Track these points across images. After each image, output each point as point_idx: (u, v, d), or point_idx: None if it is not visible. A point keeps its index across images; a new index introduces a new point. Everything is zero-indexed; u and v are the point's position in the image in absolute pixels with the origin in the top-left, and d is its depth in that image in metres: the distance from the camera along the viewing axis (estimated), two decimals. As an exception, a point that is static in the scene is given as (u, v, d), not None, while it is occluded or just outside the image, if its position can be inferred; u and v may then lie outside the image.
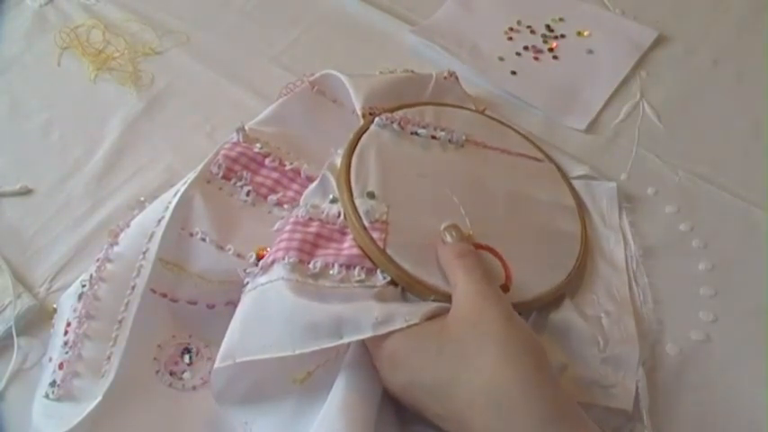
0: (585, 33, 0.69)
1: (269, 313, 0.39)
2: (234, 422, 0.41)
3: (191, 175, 0.48)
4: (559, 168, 0.54)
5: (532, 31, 0.70)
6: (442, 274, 0.41)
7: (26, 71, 0.65)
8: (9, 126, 0.60)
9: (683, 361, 0.45)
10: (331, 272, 0.40)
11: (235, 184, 0.48)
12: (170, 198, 0.46)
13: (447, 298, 0.40)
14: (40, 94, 0.63)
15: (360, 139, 0.48)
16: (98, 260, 0.44)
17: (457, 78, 0.59)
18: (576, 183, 0.54)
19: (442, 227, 0.43)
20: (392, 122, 0.49)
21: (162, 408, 0.43)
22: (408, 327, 0.37)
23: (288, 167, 0.50)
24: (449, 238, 0.42)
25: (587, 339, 0.44)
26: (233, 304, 0.42)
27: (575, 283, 0.48)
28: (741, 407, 0.43)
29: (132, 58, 0.66)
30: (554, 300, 0.46)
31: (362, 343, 0.39)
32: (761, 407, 0.43)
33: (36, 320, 0.47)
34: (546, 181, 0.53)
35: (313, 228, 0.43)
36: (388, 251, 0.41)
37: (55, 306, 0.46)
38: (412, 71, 0.58)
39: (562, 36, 0.69)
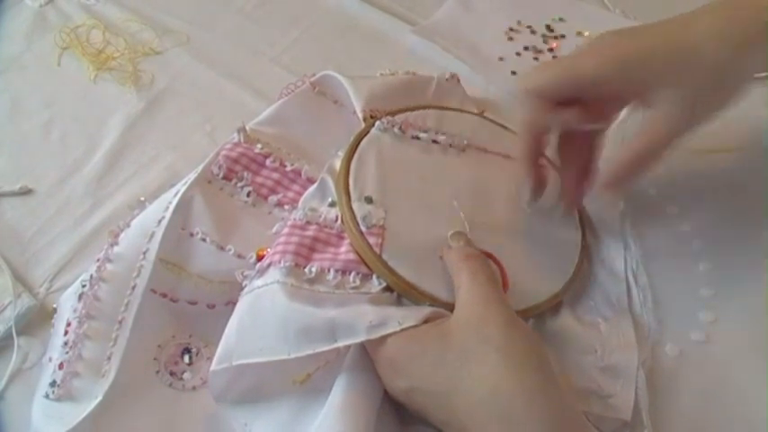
0: (585, 33, 0.69)
1: (264, 316, 0.39)
2: (233, 423, 0.41)
3: (191, 176, 0.48)
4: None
5: (532, 32, 0.69)
6: (439, 280, 0.41)
7: (26, 71, 0.65)
8: (9, 126, 0.60)
9: (683, 362, 0.45)
10: (327, 277, 0.40)
11: (235, 184, 0.48)
12: (170, 198, 0.46)
13: (442, 305, 0.40)
14: (40, 94, 0.63)
15: (360, 142, 0.48)
16: (98, 260, 0.44)
17: (458, 80, 0.59)
18: None
19: (449, 234, 0.43)
20: (393, 126, 0.49)
21: (162, 408, 0.43)
22: (405, 330, 0.37)
23: (288, 168, 0.50)
24: (455, 245, 0.42)
25: (585, 347, 0.43)
26: (233, 304, 0.42)
27: (573, 289, 0.47)
28: (741, 407, 0.43)
29: (132, 58, 0.66)
30: (552, 307, 0.45)
31: (362, 345, 0.39)
32: (761, 407, 0.43)
33: (36, 320, 0.47)
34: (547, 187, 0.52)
35: (310, 231, 0.43)
36: (384, 257, 0.41)
37: (55, 306, 0.46)
38: (413, 73, 0.58)
39: (562, 36, 0.69)
